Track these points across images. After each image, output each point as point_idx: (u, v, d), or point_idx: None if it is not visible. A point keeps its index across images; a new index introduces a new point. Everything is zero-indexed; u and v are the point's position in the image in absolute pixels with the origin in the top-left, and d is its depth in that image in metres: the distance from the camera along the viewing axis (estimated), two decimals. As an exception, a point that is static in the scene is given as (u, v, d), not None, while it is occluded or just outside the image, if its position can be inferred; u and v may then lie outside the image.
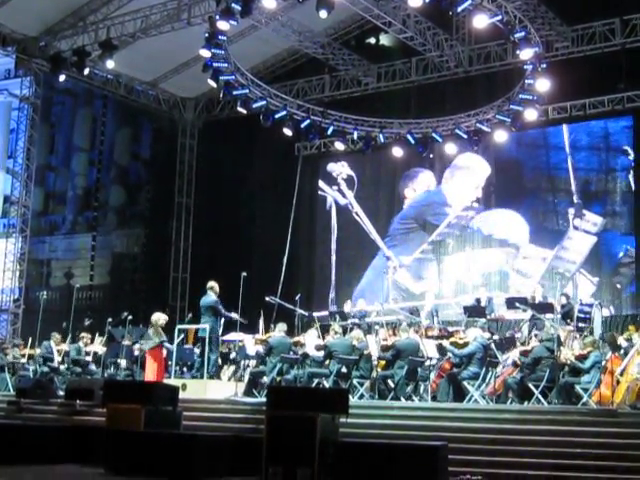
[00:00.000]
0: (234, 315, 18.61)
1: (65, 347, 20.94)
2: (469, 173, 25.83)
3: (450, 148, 24.31)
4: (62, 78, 25.30)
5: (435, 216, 26.17)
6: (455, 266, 25.75)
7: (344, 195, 27.37)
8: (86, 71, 24.76)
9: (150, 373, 18.57)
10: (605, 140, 24.35)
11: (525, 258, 24.54)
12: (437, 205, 26.32)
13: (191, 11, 23.10)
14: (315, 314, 21.91)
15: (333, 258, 27.35)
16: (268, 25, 24.33)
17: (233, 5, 19.91)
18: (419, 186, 26.85)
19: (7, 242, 27.17)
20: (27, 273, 27.68)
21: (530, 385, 15.58)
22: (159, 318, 19.21)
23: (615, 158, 24.07)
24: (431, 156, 25.21)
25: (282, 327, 18.79)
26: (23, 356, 21.44)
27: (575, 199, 24.09)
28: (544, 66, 20.75)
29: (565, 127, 24.55)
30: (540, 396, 15.39)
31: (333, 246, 27.44)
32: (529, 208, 25.01)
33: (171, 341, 19.24)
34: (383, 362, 17.48)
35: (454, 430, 13.77)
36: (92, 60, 24.61)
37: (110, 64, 23.87)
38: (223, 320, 18.91)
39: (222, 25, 20.57)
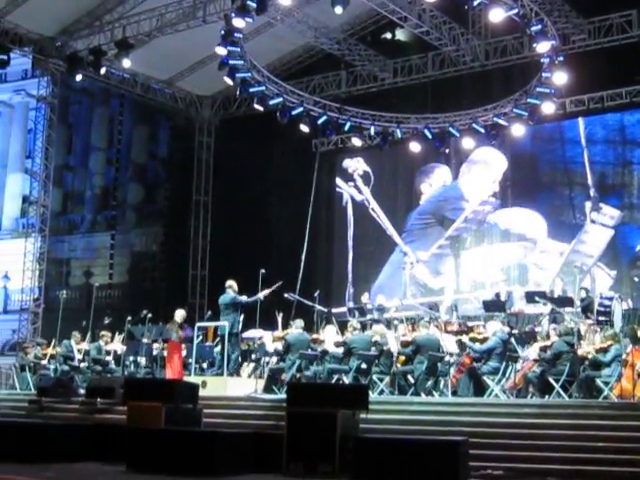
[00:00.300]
0: (259, 295, 18.65)
1: (85, 346, 21.02)
2: (486, 167, 25.76)
3: (467, 143, 24.24)
4: (79, 78, 25.32)
5: (452, 211, 26.13)
6: (473, 261, 25.69)
7: (360, 191, 27.33)
8: (102, 70, 24.80)
9: (175, 370, 18.68)
10: (621, 133, 24.27)
11: (542, 252, 24.47)
12: (454, 200, 26.27)
13: (206, 9, 23.06)
14: (334, 310, 21.92)
15: (350, 254, 27.33)
16: (284, 22, 24.30)
17: (248, 2, 19.90)
18: (435, 181, 26.81)
19: (26, 242, 27.27)
20: (47, 272, 27.73)
21: (550, 379, 15.56)
22: (175, 314, 19.36)
23: (631, 151, 24.01)
24: (447, 151, 25.17)
25: (299, 324, 18.82)
26: (45, 356, 21.52)
27: (592, 192, 24.00)
28: (561, 59, 20.67)
29: (581, 120, 24.45)
30: (561, 390, 15.37)
31: (350, 242, 27.42)
32: (545, 202, 24.93)
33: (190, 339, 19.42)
34: (403, 358, 17.47)
35: (475, 425, 13.76)
36: (108, 59, 24.63)
37: (126, 63, 23.87)
38: (242, 317, 18.96)
39: (238, 22, 20.57)
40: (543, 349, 16.31)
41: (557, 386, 15.38)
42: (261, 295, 18.71)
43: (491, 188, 25.56)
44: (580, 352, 15.69)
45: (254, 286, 18.83)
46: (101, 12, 24.54)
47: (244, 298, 18.69)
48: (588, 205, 23.94)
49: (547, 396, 15.56)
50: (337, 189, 27.77)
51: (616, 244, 23.59)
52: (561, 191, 24.93)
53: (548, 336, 17.00)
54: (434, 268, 26.07)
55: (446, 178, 26.61)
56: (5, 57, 23.92)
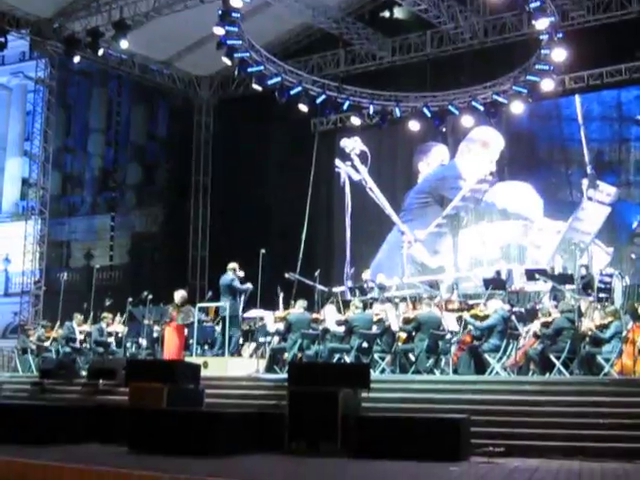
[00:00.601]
0: (249, 285, 18.71)
1: (87, 328, 21.05)
2: (484, 146, 25.70)
3: (466, 121, 24.19)
4: (77, 59, 25.25)
5: (450, 190, 26.08)
6: (471, 240, 25.67)
7: (357, 170, 27.29)
8: (100, 52, 24.70)
9: (168, 351, 18.73)
10: (618, 110, 24.19)
11: (540, 230, 24.46)
12: (451, 179, 26.23)
13: (204, -11, 23.00)
14: (335, 289, 21.92)
15: (348, 233, 27.29)
16: (281, 1, 24.21)
17: (246, -18, 19.89)
18: (433, 160, 26.77)
19: (27, 224, 27.29)
20: (47, 255, 27.77)
21: (551, 356, 15.56)
22: (175, 295, 19.36)
23: (628, 128, 23.91)
24: (444, 130, 25.09)
25: (302, 304, 18.83)
26: (48, 338, 21.53)
27: (589, 170, 23.96)
28: (560, 36, 20.60)
29: (577, 98, 24.39)
30: (562, 367, 15.38)
31: (348, 221, 27.38)
32: (542, 180, 24.86)
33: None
34: (404, 336, 17.50)
35: (476, 403, 13.80)
36: (106, 41, 24.53)
37: (124, 44, 23.77)
38: (243, 298, 18.98)
39: (235, 2, 20.52)
40: (545, 325, 16.33)
41: (558, 363, 15.39)
42: (250, 285, 18.75)
43: (489, 167, 25.52)
44: (581, 329, 15.70)
45: (255, 267, 18.84)
46: (98, -7, 24.45)
47: (238, 283, 18.70)
48: (585, 182, 23.89)
49: (548, 373, 15.56)
50: (336, 169, 27.73)
51: (613, 221, 23.55)
52: (558, 168, 24.87)
53: (549, 313, 17.01)
54: (432, 247, 26.06)
55: (444, 157, 26.57)
56: (2, 39, 23.84)
